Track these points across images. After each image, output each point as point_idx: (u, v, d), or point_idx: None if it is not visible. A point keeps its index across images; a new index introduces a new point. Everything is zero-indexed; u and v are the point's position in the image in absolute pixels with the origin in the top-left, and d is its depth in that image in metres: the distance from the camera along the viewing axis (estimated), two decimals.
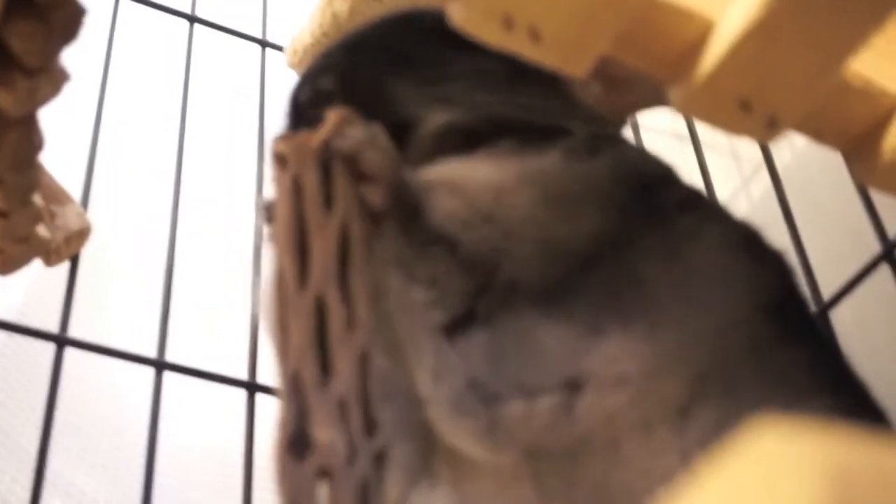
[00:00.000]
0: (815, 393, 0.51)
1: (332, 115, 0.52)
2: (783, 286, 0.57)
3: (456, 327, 0.50)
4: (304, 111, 0.62)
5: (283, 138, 0.51)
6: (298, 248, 0.47)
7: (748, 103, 0.48)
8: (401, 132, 0.57)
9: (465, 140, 0.58)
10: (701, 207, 0.58)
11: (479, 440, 0.49)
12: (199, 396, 0.89)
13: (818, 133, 0.52)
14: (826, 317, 0.75)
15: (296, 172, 0.49)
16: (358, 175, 0.50)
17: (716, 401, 0.49)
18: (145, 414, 0.74)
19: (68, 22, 0.53)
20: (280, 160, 0.50)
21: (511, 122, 0.59)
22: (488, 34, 0.46)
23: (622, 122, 0.65)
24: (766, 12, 0.45)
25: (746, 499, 0.19)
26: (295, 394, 0.43)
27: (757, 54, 0.46)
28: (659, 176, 0.59)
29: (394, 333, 0.52)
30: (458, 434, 0.50)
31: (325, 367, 0.44)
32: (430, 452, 0.52)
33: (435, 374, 0.50)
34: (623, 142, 0.63)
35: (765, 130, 0.49)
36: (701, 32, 0.47)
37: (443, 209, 0.52)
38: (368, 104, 0.57)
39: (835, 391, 0.52)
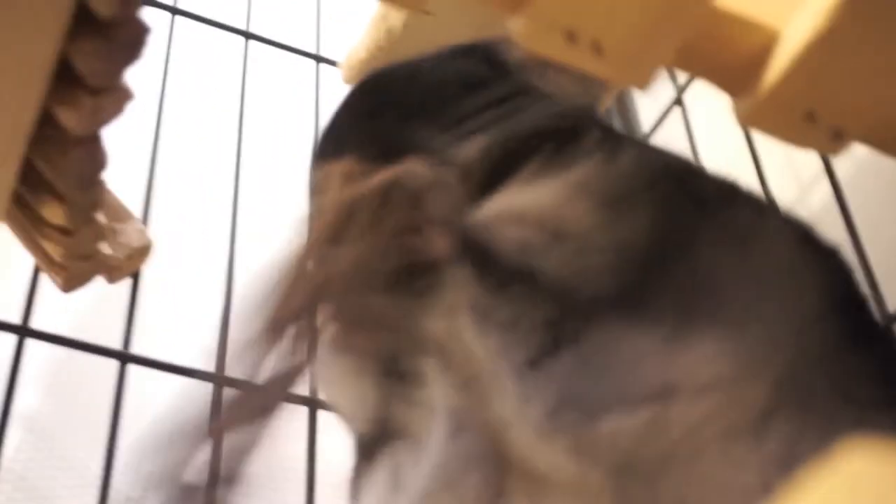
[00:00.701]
0: (885, 405, 0.50)
1: (409, 163, 0.53)
2: (846, 283, 0.56)
3: (541, 357, 0.50)
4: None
5: (347, 166, 0.52)
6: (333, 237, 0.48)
7: (813, 115, 0.47)
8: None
9: (501, 165, 0.57)
10: (747, 199, 0.57)
11: (574, 457, 0.48)
12: None
13: (884, 145, 0.51)
14: (891, 330, 0.74)
15: (353, 199, 0.50)
16: (423, 218, 0.50)
17: (790, 411, 0.48)
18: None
19: (132, 41, 0.53)
20: (346, 176, 0.50)
21: (537, 131, 0.58)
22: (551, 49, 0.46)
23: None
24: (831, 22, 0.44)
25: None
26: None
27: (822, 65, 0.46)
28: (684, 167, 0.58)
29: (468, 370, 0.51)
30: (550, 453, 0.49)
31: None
32: (501, 481, 0.51)
33: (523, 397, 0.49)
34: (624, 136, 0.62)
35: (830, 143, 0.48)
36: (765, 43, 0.47)
37: (513, 240, 0.52)
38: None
39: None
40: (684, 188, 0.55)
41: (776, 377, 0.49)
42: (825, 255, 0.56)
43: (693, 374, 0.48)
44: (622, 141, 0.58)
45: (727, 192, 0.57)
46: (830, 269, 0.55)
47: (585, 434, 0.48)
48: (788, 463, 0.47)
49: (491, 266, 0.51)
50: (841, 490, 0.20)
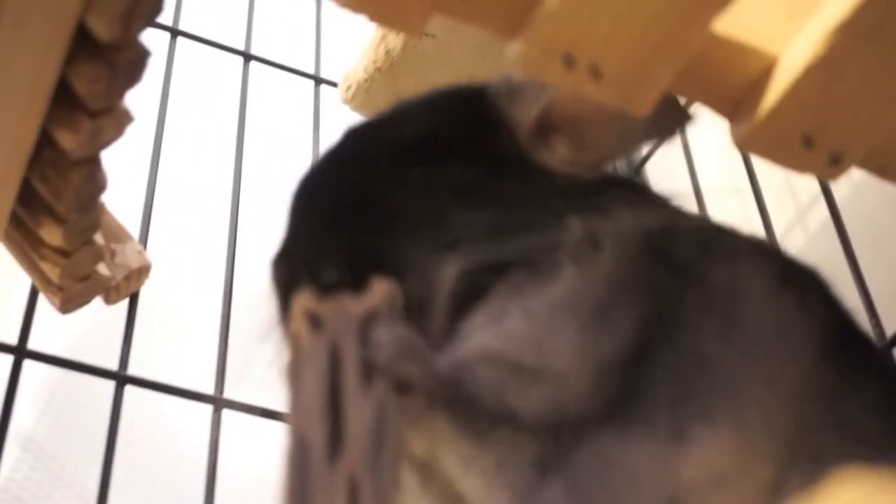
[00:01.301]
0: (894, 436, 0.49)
1: (379, 288, 0.49)
2: (829, 310, 0.54)
3: (528, 495, 0.47)
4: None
5: (314, 298, 0.48)
6: (330, 418, 0.44)
7: (811, 139, 0.47)
8: (417, 300, 0.54)
9: (474, 290, 0.54)
10: (722, 246, 0.55)
11: None
12: (257, 432, 0.89)
13: (882, 169, 0.51)
14: (890, 353, 0.74)
15: (334, 337, 0.46)
16: (395, 385, 0.47)
17: (804, 468, 0.46)
18: (203, 450, 0.74)
19: (133, 64, 0.53)
20: (313, 320, 0.47)
21: (512, 252, 0.55)
22: (549, 73, 0.46)
23: (598, 173, 0.61)
24: (829, 47, 0.44)
25: None
26: None
27: (820, 90, 0.46)
28: (663, 228, 0.55)
29: (453, 492, 0.50)
30: None
31: None
32: None
33: None
34: (610, 205, 0.57)
35: (828, 168, 0.48)
36: (764, 68, 0.47)
37: (490, 385, 0.49)
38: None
39: None
40: (663, 259, 0.52)
41: (785, 443, 0.47)
42: (804, 288, 0.54)
43: (700, 475, 0.46)
44: (604, 221, 0.55)
45: (703, 245, 0.54)
46: (813, 302, 0.53)
47: None
48: None
49: (469, 413, 0.49)
50: None
